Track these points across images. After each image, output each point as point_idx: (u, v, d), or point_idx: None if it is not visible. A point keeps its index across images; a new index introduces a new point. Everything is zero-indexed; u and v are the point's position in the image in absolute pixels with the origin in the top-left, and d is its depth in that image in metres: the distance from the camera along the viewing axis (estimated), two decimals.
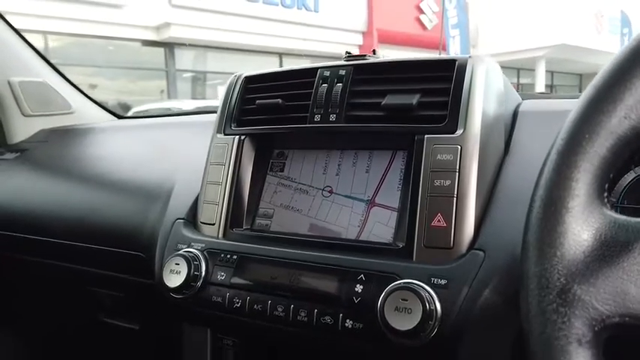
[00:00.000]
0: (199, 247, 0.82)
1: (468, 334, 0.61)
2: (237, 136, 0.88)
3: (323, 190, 0.82)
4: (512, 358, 0.62)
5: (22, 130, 1.52)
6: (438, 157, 0.70)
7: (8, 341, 1.43)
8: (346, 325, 0.67)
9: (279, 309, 0.72)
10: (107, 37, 9.36)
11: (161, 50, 10.54)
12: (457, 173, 0.69)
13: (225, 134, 0.90)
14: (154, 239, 0.92)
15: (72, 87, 1.67)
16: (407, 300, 0.61)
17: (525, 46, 12.88)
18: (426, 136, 0.72)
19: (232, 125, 0.90)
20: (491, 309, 0.61)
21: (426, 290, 0.62)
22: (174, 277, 0.79)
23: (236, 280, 0.77)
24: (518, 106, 0.84)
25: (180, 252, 0.81)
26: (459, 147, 0.69)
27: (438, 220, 0.68)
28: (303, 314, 0.70)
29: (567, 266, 0.39)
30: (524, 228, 0.45)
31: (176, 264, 0.79)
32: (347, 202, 0.80)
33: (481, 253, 0.65)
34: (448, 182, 0.69)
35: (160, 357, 1.00)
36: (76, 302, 1.17)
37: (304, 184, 0.85)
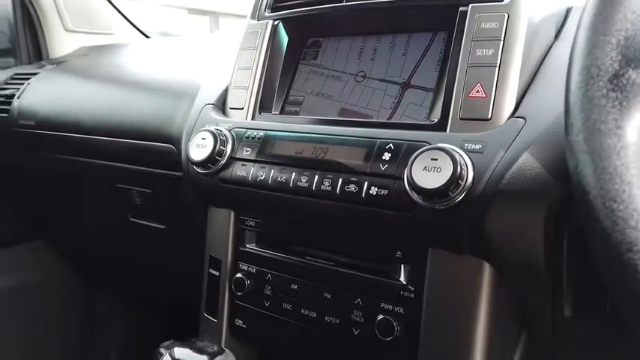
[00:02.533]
0: (227, 127, 0.81)
1: (498, 201, 0.57)
2: (271, 21, 0.85)
3: (356, 75, 0.79)
4: (545, 235, 0.58)
5: (64, 44, 1.54)
6: (482, 25, 0.65)
7: (45, 241, 1.49)
8: (371, 192, 0.64)
9: (303, 180, 0.70)
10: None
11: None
12: (502, 42, 0.64)
13: (259, 19, 0.87)
14: (182, 130, 0.91)
15: (114, 9, 1.68)
16: (437, 159, 0.58)
17: None
18: (470, 5, 0.67)
19: (266, 11, 0.87)
20: (527, 176, 0.56)
21: (457, 152, 0.59)
22: (200, 150, 0.78)
23: (261, 155, 0.75)
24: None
25: (207, 128, 0.80)
26: (506, 15, 0.65)
27: (477, 91, 0.64)
28: (327, 184, 0.68)
29: (623, 52, 0.34)
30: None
31: (202, 139, 0.78)
32: (380, 86, 0.77)
33: (521, 120, 0.60)
34: (491, 51, 0.64)
35: (186, 252, 1.00)
36: (107, 202, 1.19)
37: (337, 71, 0.81)
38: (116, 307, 1.57)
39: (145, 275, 1.31)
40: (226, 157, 0.78)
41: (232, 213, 0.83)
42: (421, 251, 0.65)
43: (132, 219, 1.17)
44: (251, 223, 0.81)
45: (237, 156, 0.77)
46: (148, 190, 1.07)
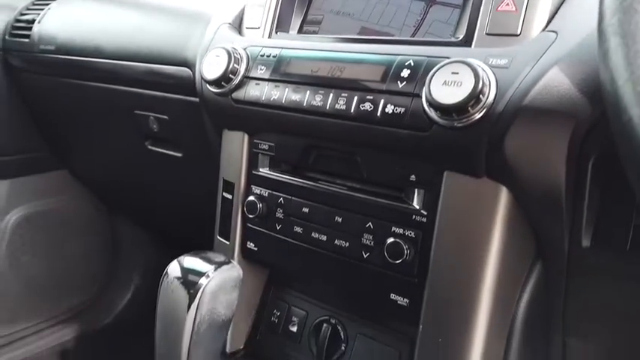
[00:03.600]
0: (242, 46, 0.78)
1: (520, 119, 0.54)
2: None
3: None
4: (568, 158, 0.55)
5: None
6: None
7: (69, 169, 1.52)
8: (386, 110, 0.61)
9: (317, 99, 0.68)
10: None
11: None
12: None
13: None
14: (198, 52, 0.89)
15: None
16: (457, 73, 0.55)
17: None
18: None
19: None
20: (553, 94, 0.53)
21: (480, 66, 0.55)
22: (214, 68, 0.76)
23: (275, 74, 0.73)
24: None
25: (221, 45, 0.77)
26: None
27: (507, 4, 0.59)
28: (341, 102, 0.65)
29: None
30: None
31: (216, 56, 0.76)
32: (404, 2, 0.72)
33: (552, 34, 0.56)
34: None
35: (202, 179, 1.00)
36: (125, 129, 1.19)
37: None
38: (135, 234, 1.62)
39: (161, 202, 1.33)
40: (240, 76, 0.75)
41: (246, 136, 0.82)
42: (436, 175, 0.63)
43: (149, 147, 1.17)
44: (264, 146, 0.79)
45: (251, 75, 0.75)
46: (165, 117, 1.06)
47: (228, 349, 0.86)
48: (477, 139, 0.57)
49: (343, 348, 0.79)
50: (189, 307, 0.50)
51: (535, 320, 0.69)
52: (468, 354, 0.62)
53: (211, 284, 0.51)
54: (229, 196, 0.85)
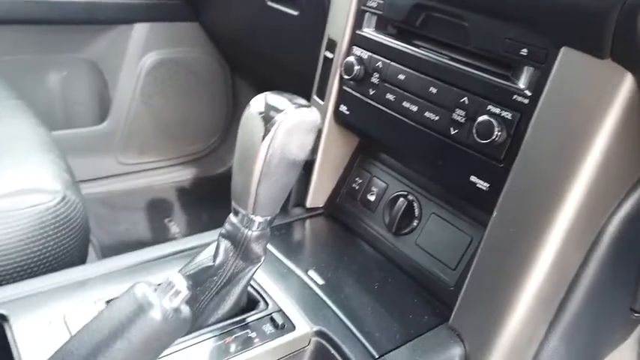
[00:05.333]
0: None
1: None
2: None
3: None
4: None
5: None
6: None
7: (199, 23, 1.60)
8: None
9: None
10: None
11: None
12: None
13: None
14: None
15: None
16: None
17: None
18: None
19: None
20: None
21: None
22: None
23: None
24: None
25: None
26: None
27: None
28: None
29: None
30: None
31: None
32: None
33: None
34: None
35: (312, 39, 0.99)
36: None
37: None
38: (253, 95, 1.70)
39: (276, 64, 1.35)
40: None
41: None
42: (551, 50, 0.55)
43: (269, 3, 1.17)
44: (373, 3, 0.75)
45: None
46: None
47: (308, 204, 0.91)
48: (607, 8, 0.48)
49: (415, 224, 0.79)
50: (263, 138, 0.52)
51: (626, 243, 0.62)
52: (537, 253, 0.58)
53: (287, 121, 0.52)
54: (330, 55, 0.84)
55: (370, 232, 0.83)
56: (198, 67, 1.67)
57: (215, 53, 1.67)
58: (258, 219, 0.56)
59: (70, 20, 1.43)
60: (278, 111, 0.53)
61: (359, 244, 0.83)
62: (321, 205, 0.92)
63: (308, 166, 0.89)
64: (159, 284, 0.34)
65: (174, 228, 1.59)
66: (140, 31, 1.53)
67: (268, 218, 0.57)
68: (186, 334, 0.59)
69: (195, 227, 1.62)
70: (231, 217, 0.58)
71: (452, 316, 0.66)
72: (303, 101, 0.55)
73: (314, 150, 0.87)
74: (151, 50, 1.56)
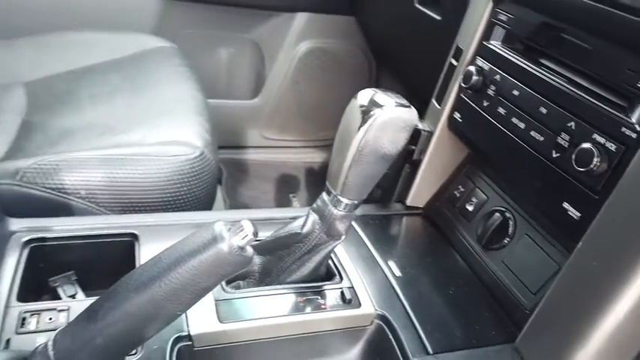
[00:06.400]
0: None
1: None
2: None
3: None
4: None
5: None
6: None
7: (355, 17, 1.69)
8: None
9: None
10: None
11: None
12: None
13: None
14: None
15: None
16: None
17: None
18: None
19: None
20: None
21: None
22: None
23: None
24: None
25: None
26: None
27: None
28: None
29: None
30: None
31: None
32: None
33: None
34: None
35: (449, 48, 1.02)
36: None
37: None
38: (393, 88, 1.74)
39: (414, 63, 1.38)
40: None
41: (490, 3, 0.79)
42: None
43: (417, 5, 1.21)
44: (503, 17, 0.76)
45: None
46: None
47: (408, 202, 0.95)
48: None
49: (506, 241, 0.78)
50: (359, 128, 0.58)
51: None
52: (620, 293, 0.56)
53: (383, 116, 0.57)
54: (455, 63, 0.86)
55: (460, 240, 0.85)
56: (346, 59, 1.77)
57: (365, 47, 1.76)
58: (345, 200, 0.63)
59: (245, 4, 1.63)
60: (378, 106, 0.58)
61: (446, 249, 0.85)
62: (420, 206, 0.95)
63: (414, 166, 0.92)
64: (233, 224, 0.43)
65: (296, 203, 1.73)
66: (301, 20, 1.67)
67: (355, 202, 0.64)
68: (268, 284, 0.69)
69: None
70: (323, 195, 0.65)
71: (519, 337, 0.66)
72: (403, 101, 0.59)
73: (422, 151, 0.90)
74: (307, 38, 1.70)
